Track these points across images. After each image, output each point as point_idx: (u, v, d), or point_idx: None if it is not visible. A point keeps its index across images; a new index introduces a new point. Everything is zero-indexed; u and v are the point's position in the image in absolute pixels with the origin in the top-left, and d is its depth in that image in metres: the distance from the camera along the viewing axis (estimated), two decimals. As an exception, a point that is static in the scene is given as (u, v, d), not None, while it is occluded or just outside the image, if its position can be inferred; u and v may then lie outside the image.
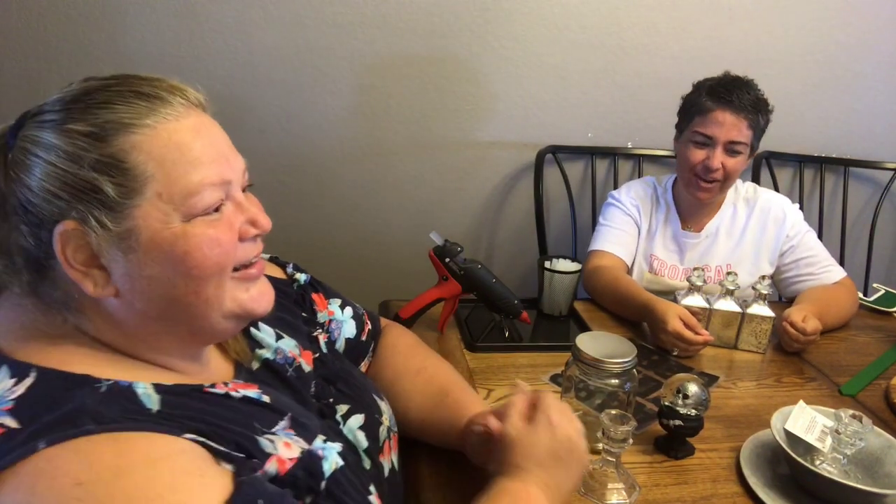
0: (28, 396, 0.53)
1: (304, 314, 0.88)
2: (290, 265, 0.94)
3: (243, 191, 0.65)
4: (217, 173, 0.60)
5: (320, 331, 0.89)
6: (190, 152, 0.58)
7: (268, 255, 0.95)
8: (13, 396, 0.52)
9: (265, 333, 0.77)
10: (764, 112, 1.42)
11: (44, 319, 0.59)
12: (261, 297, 0.66)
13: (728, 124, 1.39)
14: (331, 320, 0.92)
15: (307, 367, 0.80)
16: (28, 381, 0.54)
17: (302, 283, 0.91)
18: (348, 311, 0.96)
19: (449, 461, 0.89)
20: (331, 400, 0.79)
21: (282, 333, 0.80)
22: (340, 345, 0.93)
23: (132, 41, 1.72)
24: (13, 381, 0.54)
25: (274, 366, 0.76)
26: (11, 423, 0.51)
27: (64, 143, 0.55)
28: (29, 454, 0.48)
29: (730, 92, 1.39)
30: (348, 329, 0.94)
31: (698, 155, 1.43)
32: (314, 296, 0.92)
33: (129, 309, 0.59)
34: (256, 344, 0.76)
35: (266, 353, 0.76)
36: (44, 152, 0.55)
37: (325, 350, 0.86)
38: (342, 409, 0.79)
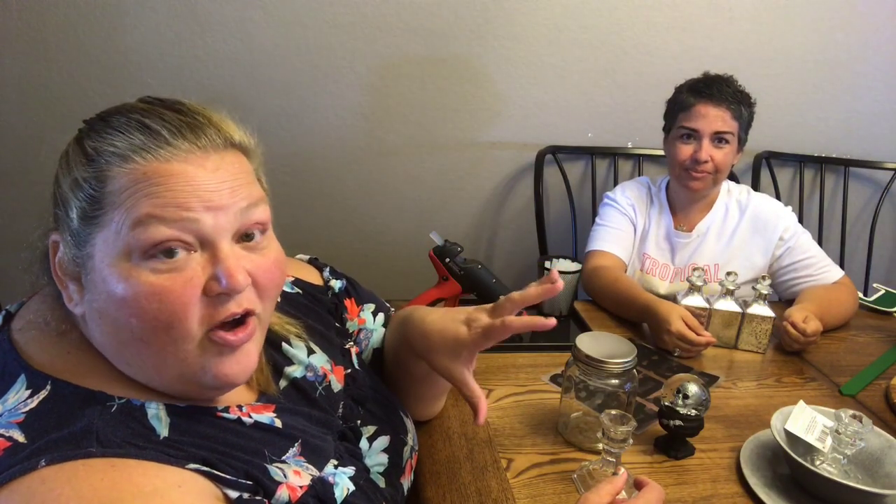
0: (39, 410, 0.53)
1: (337, 324, 0.86)
2: (328, 269, 0.91)
3: (248, 239, 0.59)
4: (179, 210, 0.53)
5: (352, 343, 0.87)
6: (159, 188, 0.53)
7: (307, 257, 0.93)
8: (26, 409, 0.52)
9: (297, 349, 0.75)
10: (746, 104, 1.46)
11: (63, 319, 0.59)
12: (234, 366, 0.58)
13: (711, 116, 1.43)
14: (360, 329, 0.90)
15: (337, 386, 0.78)
16: (42, 395, 0.54)
17: (337, 290, 0.89)
18: (381, 317, 0.93)
19: (449, 461, 0.89)
20: (358, 422, 0.78)
21: (314, 348, 0.78)
22: (367, 355, 0.91)
23: (132, 41, 1.72)
24: (28, 392, 0.54)
25: (302, 385, 0.74)
26: (19, 436, 0.51)
27: (71, 155, 0.57)
28: (28, 472, 0.48)
29: (709, 86, 1.45)
30: (377, 338, 0.92)
31: (686, 150, 1.46)
32: (347, 301, 0.89)
33: (98, 335, 0.57)
34: (287, 360, 0.74)
35: (296, 372, 0.74)
36: (61, 159, 0.58)
37: (356, 366, 0.84)
38: (369, 430, 0.78)
